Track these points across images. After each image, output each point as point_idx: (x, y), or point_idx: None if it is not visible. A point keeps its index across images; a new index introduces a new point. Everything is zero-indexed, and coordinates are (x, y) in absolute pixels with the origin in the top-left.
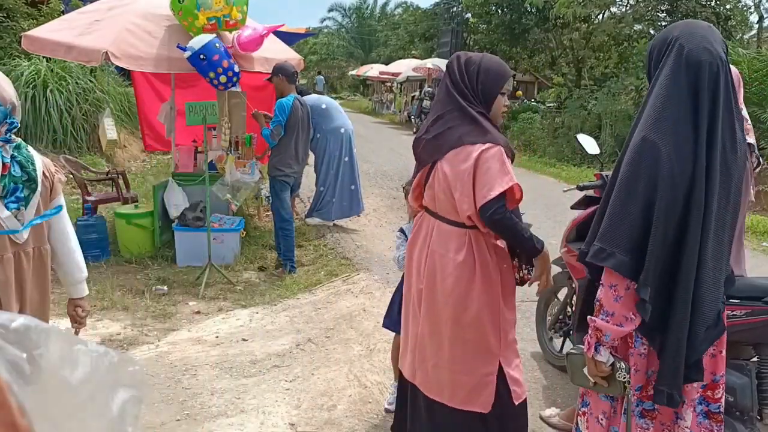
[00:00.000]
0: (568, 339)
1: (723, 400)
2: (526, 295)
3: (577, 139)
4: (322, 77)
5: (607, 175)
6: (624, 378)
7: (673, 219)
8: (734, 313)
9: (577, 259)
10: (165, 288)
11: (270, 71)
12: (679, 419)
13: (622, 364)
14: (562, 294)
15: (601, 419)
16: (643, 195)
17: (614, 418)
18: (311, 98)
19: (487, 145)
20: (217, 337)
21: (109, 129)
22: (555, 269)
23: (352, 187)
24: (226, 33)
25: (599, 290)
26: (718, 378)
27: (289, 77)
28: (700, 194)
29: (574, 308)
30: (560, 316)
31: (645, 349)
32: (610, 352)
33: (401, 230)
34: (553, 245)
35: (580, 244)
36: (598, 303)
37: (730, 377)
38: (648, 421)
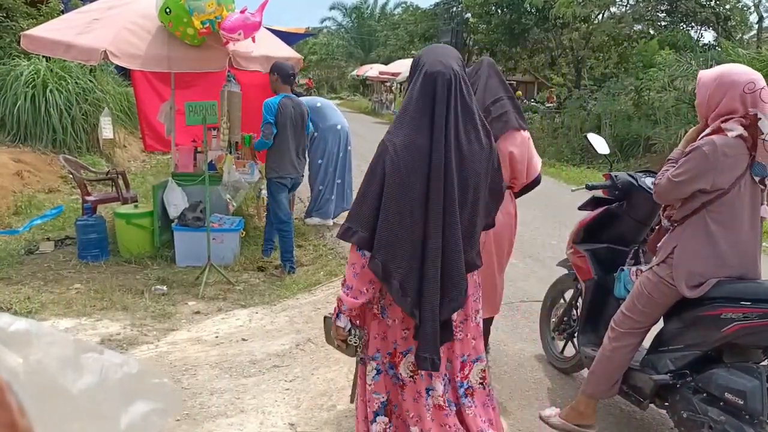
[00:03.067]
0: (571, 342)
1: (471, 376)
2: (527, 295)
3: (587, 138)
4: None
5: (616, 175)
6: (355, 343)
7: (406, 201)
8: (746, 315)
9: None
10: (164, 288)
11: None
12: (430, 390)
13: (356, 332)
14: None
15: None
16: (378, 182)
17: (369, 383)
18: (306, 99)
19: (526, 132)
20: (216, 337)
21: (105, 128)
22: (561, 270)
23: (338, 181)
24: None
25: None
26: (466, 359)
27: (284, 77)
28: (438, 183)
29: (579, 310)
30: (564, 318)
31: (392, 321)
32: (350, 320)
33: None
34: (553, 245)
35: (587, 245)
36: (344, 278)
37: (740, 380)
38: (399, 390)
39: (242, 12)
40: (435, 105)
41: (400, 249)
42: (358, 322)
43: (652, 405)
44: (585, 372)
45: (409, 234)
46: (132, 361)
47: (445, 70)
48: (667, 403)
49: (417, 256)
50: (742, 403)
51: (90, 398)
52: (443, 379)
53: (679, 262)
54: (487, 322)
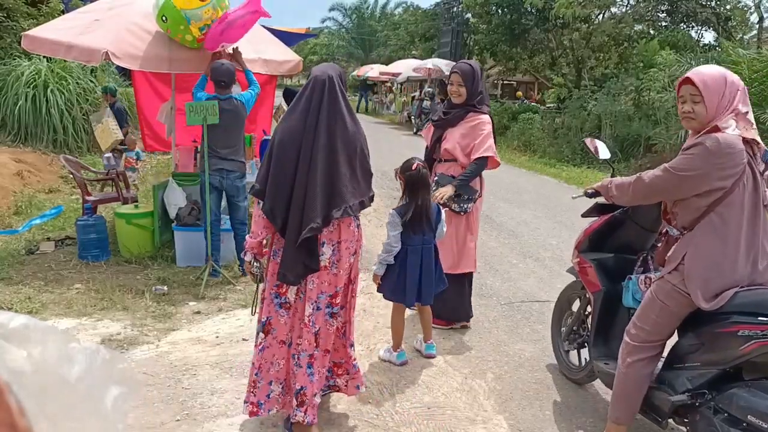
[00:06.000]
0: (581, 350)
1: (340, 303)
2: (527, 295)
3: (585, 143)
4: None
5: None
6: (257, 272)
7: (284, 165)
8: (764, 333)
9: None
10: (165, 288)
11: (269, 72)
12: (306, 314)
13: (258, 263)
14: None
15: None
16: (269, 153)
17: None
18: None
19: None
20: (217, 337)
21: (114, 128)
22: (569, 278)
23: None
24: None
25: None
26: (339, 289)
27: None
28: (307, 150)
29: (590, 320)
30: (574, 327)
31: (279, 258)
32: (254, 256)
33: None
34: (553, 245)
35: (593, 254)
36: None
37: (763, 402)
38: (284, 311)
39: (222, 20)
40: (312, 100)
41: (279, 198)
42: (262, 257)
43: (670, 420)
44: (597, 382)
45: (286, 188)
46: (102, 349)
47: (322, 75)
48: (686, 420)
49: (288, 202)
50: (766, 426)
51: (84, 385)
52: (312, 305)
53: (691, 269)
54: (469, 278)
